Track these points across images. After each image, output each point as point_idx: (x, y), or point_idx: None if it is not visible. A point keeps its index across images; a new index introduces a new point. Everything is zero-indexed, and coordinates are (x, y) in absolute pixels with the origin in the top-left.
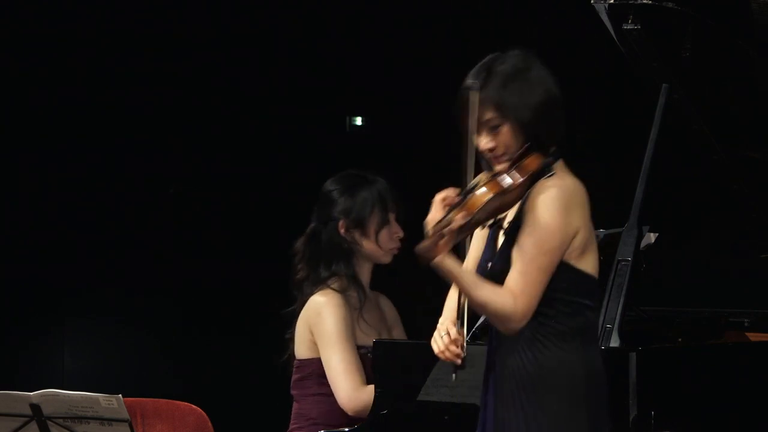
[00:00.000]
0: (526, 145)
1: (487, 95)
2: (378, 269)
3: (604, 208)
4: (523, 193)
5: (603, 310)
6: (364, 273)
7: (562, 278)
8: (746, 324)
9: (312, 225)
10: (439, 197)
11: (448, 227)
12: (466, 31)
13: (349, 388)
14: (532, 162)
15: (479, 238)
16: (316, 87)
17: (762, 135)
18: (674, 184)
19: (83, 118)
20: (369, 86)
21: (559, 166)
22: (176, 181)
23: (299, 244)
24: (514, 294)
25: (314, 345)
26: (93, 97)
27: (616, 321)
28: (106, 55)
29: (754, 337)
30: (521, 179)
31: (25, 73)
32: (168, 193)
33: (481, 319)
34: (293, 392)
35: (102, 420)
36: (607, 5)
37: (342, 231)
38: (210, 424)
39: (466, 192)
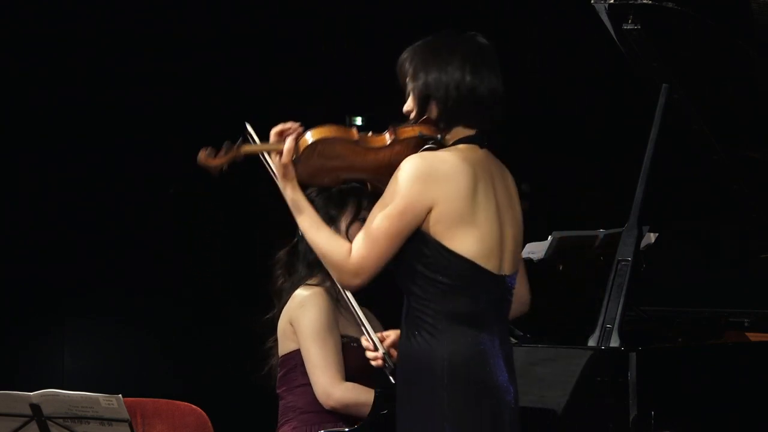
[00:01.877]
0: (423, 118)
1: (402, 58)
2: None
3: (604, 208)
4: (390, 158)
5: (603, 310)
6: None
7: (423, 252)
8: (746, 324)
9: (296, 238)
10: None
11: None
12: (466, 31)
13: (325, 383)
14: (410, 130)
15: None
16: (316, 87)
17: (762, 135)
18: (674, 184)
19: (83, 118)
20: (369, 86)
21: (459, 148)
22: (176, 181)
23: (281, 253)
24: (352, 248)
25: (296, 336)
26: (93, 97)
27: (616, 321)
28: (106, 55)
29: (754, 337)
30: (388, 141)
31: (25, 73)
32: (168, 193)
33: None
34: (279, 390)
35: (102, 420)
36: (607, 5)
37: None
38: (210, 424)
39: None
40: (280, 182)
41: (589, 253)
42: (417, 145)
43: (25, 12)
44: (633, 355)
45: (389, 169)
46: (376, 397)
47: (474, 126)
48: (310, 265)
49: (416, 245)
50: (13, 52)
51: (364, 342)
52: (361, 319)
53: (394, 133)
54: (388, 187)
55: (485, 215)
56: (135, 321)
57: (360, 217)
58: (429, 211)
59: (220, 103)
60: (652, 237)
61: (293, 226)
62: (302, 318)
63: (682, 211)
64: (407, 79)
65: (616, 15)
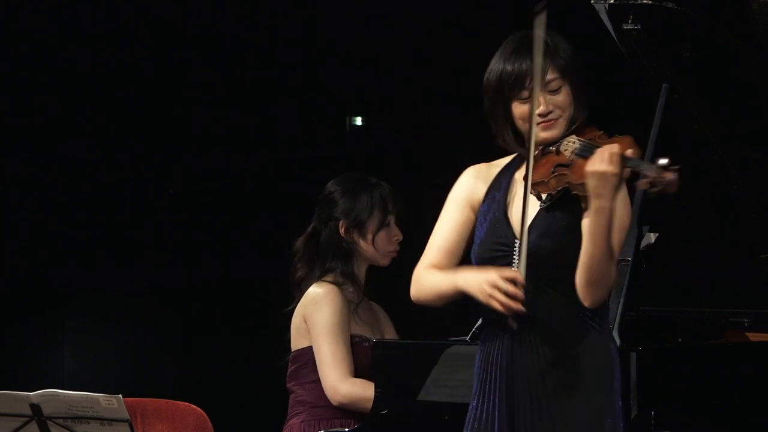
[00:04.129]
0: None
1: (550, 58)
2: (377, 278)
3: None
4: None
5: None
6: (361, 273)
7: None
8: (746, 324)
9: (312, 225)
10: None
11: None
12: (465, 31)
13: (334, 379)
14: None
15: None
16: (316, 87)
17: (762, 135)
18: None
19: (83, 118)
20: (369, 86)
21: None
22: (176, 181)
23: (299, 243)
24: None
25: (309, 333)
26: (93, 97)
27: (617, 321)
28: (107, 55)
29: (754, 337)
30: None
31: (25, 73)
32: (168, 193)
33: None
34: (289, 385)
35: (102, 420)
36: (607, 5)
37: (342, 231)
38: (210, 424)
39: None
40: (612, 192)
41: None
42: None
43: (25, 12)
44: (633, 355)
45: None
46: (376, 397)
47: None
48: (327, 263)
49: None
50: (12, 52)
51: (512, 273)
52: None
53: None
54: (622, 204)
55: None
56: (135, 321)
57: (386, 223)
58: None
59: (220, 103)
60: (652, 237)
61: (293, 224)
62: (316, 315)
63: (682, 211)
64: (554, 74)
65: (616, 15)
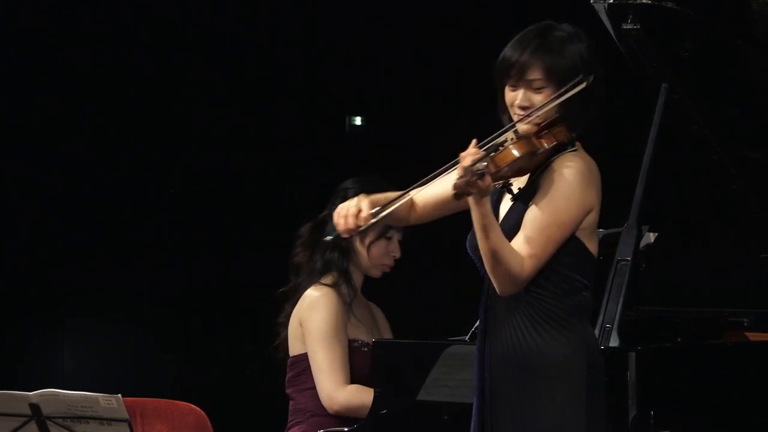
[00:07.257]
0: (557, 116)
1: (540, 57)
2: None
3: (605, 208)
4: (543, 160)
5: (603, 310)
6: (356, 276)
7: (569, 252)
8: (746, 324)
9: (322, 215)
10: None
11: (481, 169)
12: (465, 31)
13: (329, 388)
14: (561, 133)
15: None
16: (316, 87)
17: (762, 135)
18: (674, 184)
19: (83, 118)
20: (369, 86)
21: (579, 147)
22: (176, 181)
23: (305, 229)
24: (523, 257)
25: (305, 338)
26: (93, 97)
27: (616, 321)
28: (106, 55)
29: (754, 337)
30: (548, 146)
31: (25, 73)
32: (168, 193)
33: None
34: (288, 390)
35: (101, 420)
36: (606, 5)
37: None
38: (210, 424)
39: (492, 147)
40: (478, 199)
41: None
42: (559, 147)
43: (25, 12)
44: (632, 355)
45: (533, 168)
46: (375, 397)
47: (582, 126)
48: (327, 263)
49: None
50: (12, 52)
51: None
52: None
53: (546, 137)
54: (555, 189)
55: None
56: (135, 321)
57: (387, 236)
58: (586, 216)
59: (220, 103)
60: (651, 237)
61: (293, 224)
62: (311, 320)
63: (682, 211)
64: (539, 74)
65: (616, 15)
